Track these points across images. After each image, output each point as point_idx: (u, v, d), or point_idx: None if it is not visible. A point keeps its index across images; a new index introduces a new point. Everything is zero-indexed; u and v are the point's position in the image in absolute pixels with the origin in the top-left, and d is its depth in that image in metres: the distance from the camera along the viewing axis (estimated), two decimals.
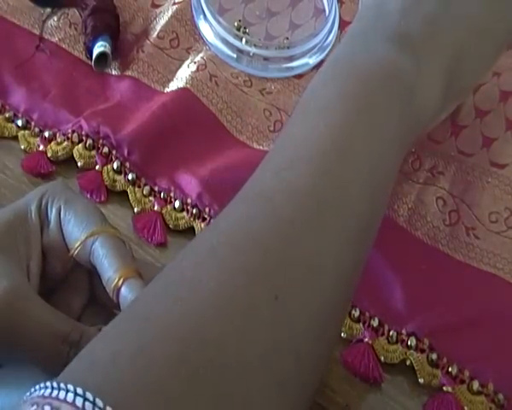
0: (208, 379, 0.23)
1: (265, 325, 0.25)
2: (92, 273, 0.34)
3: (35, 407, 0.21)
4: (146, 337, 0.24)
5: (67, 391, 0.21)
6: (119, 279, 0.31)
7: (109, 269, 0.32)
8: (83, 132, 0.46)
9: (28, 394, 0.22)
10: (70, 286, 0.35)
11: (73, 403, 0.21)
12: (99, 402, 0.21)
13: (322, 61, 0.51)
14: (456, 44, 0.35)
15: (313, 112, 0.32)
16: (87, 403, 0.20)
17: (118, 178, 0.45)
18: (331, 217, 0.29)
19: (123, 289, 0.31)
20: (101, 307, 0.35)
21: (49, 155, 0.46)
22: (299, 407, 0.27)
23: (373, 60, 0.33)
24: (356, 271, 0.31)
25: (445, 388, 0.37)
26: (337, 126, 0.31)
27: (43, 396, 0.21)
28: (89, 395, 0.21)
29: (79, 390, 0.21)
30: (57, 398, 0.21)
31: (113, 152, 0.46)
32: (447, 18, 0.35)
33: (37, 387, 0.22)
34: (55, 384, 0.22)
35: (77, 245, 0.33)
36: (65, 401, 0.21)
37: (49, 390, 0.22)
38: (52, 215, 0.34)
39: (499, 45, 0.38)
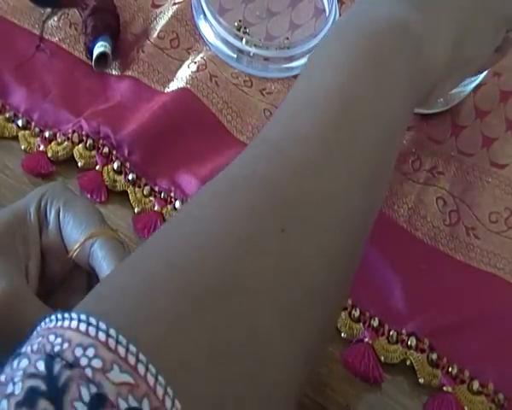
0: (211, 308, 0.23)
1: (272, 254, 0.25)
2: (91, 275, 0.34)
3: (40, 338, 0.21)
4: (152, 268, 0.24)
5: (71, 319, 0.21)
6: None
7: (108, 271, 0.32)
8: (83, 132, 0.46)
9: (35, 333, 0.23)
10: (69, 287, 0.35)
11: (77, 328, 0.21)
12: (102, 325, 0.21)
13: None
14: (459, 19, 0.36)
15: (321, 66, 0.33)
16: (90, 328, 0.21)
17: (118, 178, 0.45)
18: (340, 160, 0.29)
19: None
20: None
21: (49, 155, 0.46)
22: (311, 340, 0.27)
23: (380, 16, 0.34)
24: (365, 221, 0.30)
25: (445, 388, 0.37)
26: (345, 77, 0.31)
27: (48, 328, 0.22)
28: (92, 320, 0.21)
29: (83, 317, 0.21)
30: (62, 327, 0.21)
31: (114, 152, 0.46)
32: None
33: (43, 322, 0.23)
34: (59, 316, 0.22)
35: (76, 247, 0.33)
36: (69, 328, 0.21)
37: (53, 322, 0.22)
38: (51, 216, 0.34)
39: (498, 25, 0.39)
